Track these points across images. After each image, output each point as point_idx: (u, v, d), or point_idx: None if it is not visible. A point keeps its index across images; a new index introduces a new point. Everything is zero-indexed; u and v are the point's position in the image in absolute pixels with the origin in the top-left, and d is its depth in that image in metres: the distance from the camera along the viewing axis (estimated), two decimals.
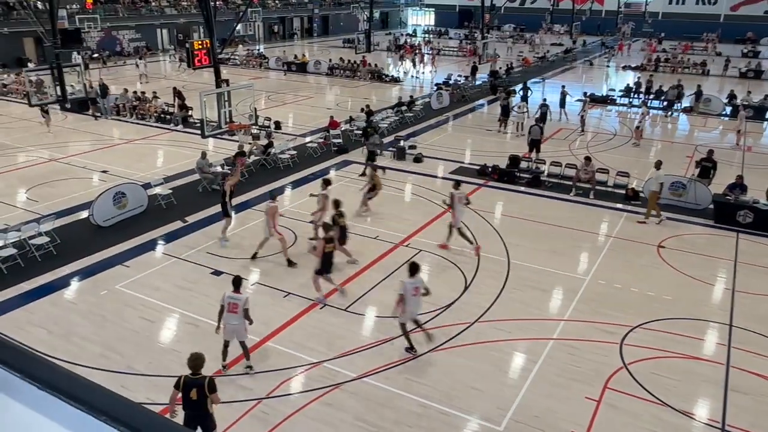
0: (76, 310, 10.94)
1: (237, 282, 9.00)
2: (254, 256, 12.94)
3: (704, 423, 8.38)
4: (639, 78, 34.03)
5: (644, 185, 16.60)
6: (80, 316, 10.72)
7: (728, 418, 8.44)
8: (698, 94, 29.04)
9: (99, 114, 25.70)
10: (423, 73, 41.51)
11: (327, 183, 13.61)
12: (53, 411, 1.22)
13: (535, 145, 20.04)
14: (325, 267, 11.10)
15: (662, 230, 14.93)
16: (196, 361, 7.02)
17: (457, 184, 13.50)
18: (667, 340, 10.26)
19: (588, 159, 17.23)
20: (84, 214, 15.17)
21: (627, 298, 11.66)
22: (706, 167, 16.92)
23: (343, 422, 8.16)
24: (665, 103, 29.21)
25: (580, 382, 9.10)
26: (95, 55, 42.02)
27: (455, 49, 52.05)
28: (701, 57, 45.58)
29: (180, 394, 6.99)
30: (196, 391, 6.90)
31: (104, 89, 26.15)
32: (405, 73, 41.63)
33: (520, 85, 29.27)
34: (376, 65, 39.43)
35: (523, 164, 19.07)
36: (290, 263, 12.69)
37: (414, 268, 9.65)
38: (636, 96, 31.04)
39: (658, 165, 15.57)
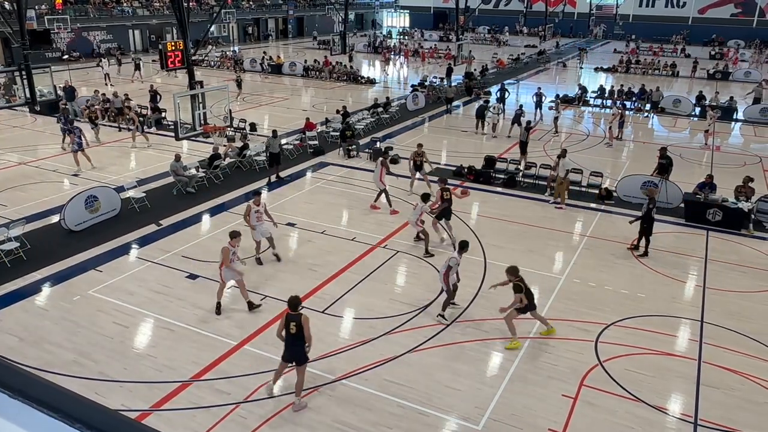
0: (48, 317, 10.72)
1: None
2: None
3: (677, 417, 8.55)
4: (612, 86, 34.55)
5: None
6: (52, 323, 10.50)
7: (700, 412, 8.62)
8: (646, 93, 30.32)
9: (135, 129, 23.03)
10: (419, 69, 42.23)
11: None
12: (26, 419, 1.20)
13: (522, 147, 20.07)
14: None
15: (634, 229, 15.16)
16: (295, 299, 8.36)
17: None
18: (641, 337, 10.44)
19: (562, 155, 17.24)
20: (55, 219, 14.88)
21: (601, 297, 11.84)
22: (663, 164, 17.52)
23: (321, 424, 8.13)
24: (649, 105, 29.86)
25: (556, 380, 9.21)
26: (65, 57, 41.29)
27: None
28: (671, 59, 46.50)
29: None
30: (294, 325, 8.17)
31: (71, 92, 25.62)
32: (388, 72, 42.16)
33: (497, 86, 29.54)
34: (351, 66, 39.43)
35: (501, 165, 19.21)
36: None
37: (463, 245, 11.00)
38: (586, 97, 31.51)
39: (563, 154, 16.66)
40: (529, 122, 20.78)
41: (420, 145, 17.40)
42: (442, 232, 14.12)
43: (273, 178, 18.28)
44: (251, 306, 10.93)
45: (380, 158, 16.29)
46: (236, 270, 10.79)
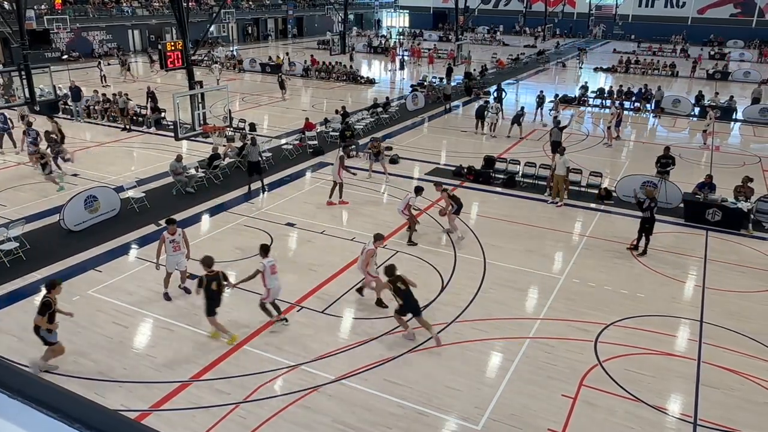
0: None
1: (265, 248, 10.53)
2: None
3: (677, 417, 8.55)
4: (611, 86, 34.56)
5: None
6: None
7: (700, 412, 8.62)
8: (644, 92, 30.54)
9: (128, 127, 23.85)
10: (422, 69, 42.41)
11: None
12: (25, 419, 1.20)
13: (555, 147, 19.94)
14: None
15: (634, 229, 15.16)
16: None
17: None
18: (640, 337, 10.44)
19: (561, 152, 17.21)
20: (54, 219, 14.87)
21: (601, 297, 11.84)
22: (666, 163, 17.69)
23: (321, 424, 8.13)
24: (650, 105, 29.91)
25: (556, 380, 9.21)
26: (64, 57, 41.30)
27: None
28: (671, 58, 46.50)
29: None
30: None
31: (77, 92, 25.63)
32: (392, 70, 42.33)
33: (495, 87, 29.56)
34: (351, 67, 39.43)
35: (500, 165, 19.20)
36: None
37: (265, 248, 10.47)
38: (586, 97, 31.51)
39: (561, 151, 16.96)
40: (558, 122, 20.87)
41: (377, 139, 19.64)
42: (456, 227, 14.34)
43: (252, 186, 17.19)
44: (380, 303, 11.22)
45: (339, 153, 17.12)
46: (372, 274, 11.14)
